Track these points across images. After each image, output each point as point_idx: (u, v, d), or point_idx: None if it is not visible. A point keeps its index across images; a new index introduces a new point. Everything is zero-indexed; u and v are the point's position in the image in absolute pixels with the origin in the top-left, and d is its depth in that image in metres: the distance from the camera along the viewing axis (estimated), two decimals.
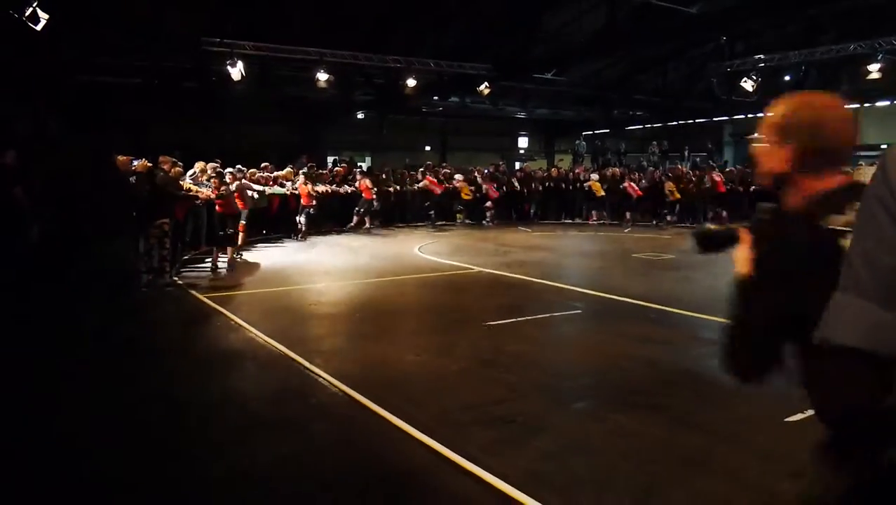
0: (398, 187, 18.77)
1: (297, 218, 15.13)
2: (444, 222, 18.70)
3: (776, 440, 3.91)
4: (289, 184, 15.45)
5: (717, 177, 19.35)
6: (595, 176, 20.28)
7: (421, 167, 20.55)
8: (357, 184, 16.95)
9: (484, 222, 19.08)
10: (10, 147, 8.89)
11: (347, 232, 16.22)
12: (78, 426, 4.29)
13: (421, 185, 18.75)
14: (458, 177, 19.16)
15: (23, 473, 3.66)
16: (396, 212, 18.89)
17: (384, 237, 16.03)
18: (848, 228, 1.37)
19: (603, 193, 19.71)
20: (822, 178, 1.56)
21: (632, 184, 19.38)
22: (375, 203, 18.00)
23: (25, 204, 8.16)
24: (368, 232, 16.44)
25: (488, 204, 19.23)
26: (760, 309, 1.53)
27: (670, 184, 19.39)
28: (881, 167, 1.03)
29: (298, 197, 15.24)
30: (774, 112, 1.65)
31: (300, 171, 15.93)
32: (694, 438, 4.05)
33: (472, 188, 19.32)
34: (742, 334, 1.57)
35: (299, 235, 14.96)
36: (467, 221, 19.06)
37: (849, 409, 1.05)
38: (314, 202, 15.23)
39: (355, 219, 16.48)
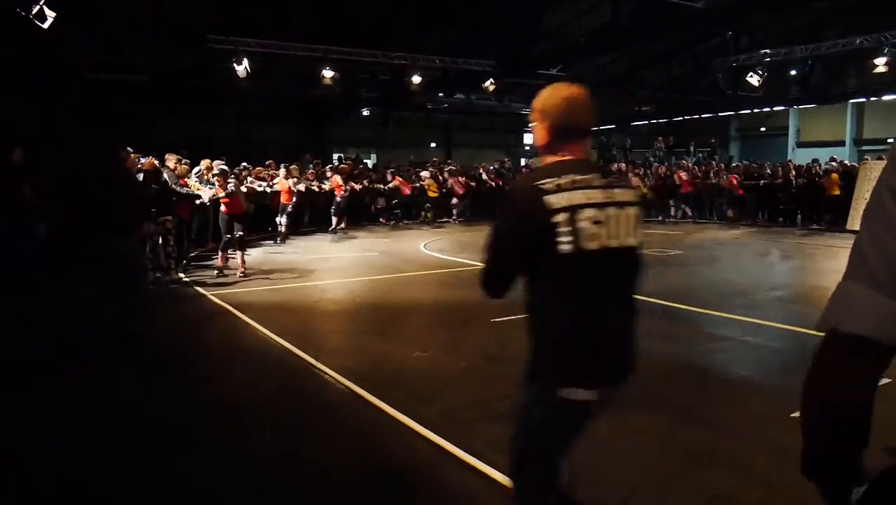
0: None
1: (278, 219, 14.12)
2: (409, 221, 18.61)
3: (783, 434, 3.90)
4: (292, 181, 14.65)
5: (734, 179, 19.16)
6: None
7: (427, 164, 20.56)
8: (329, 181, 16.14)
9: (451, 220, 18.85)
10: (16, 145, 8.92)
11: (333, 233, 15.47)
12: (86, 423, 4.31)
13: (391, 185, 18.51)
14: (424, 174, 18.97)
15: (34, 466, 3.68)
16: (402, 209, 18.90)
17: (389, 235, 16.03)
18: (549, 186, 1.95)
19: None
20: (562, 151, 2.10)
21: None
22: (381, 202, 17.95)
23: (34, 202, 8.18)
24: (345, 232, 15.86)
25: (454, 201, 18.98)
26: (493, 245, 2.12)
27: (636, 179, 19.67)
28: (891, 157, 1.03)
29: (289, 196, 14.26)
30: (538, 97, 2.14)
31: (281, 166, 15.05)
32: (700, 433, 4.05)
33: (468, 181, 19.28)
34: (488, 266, 2.19)
35: (279, 238, 13.92)
36: (438, 221, 18.78)
37: (849, 401, 1.04)
38: (294, 199, 14.32)
39: (334, 220, 15.64)
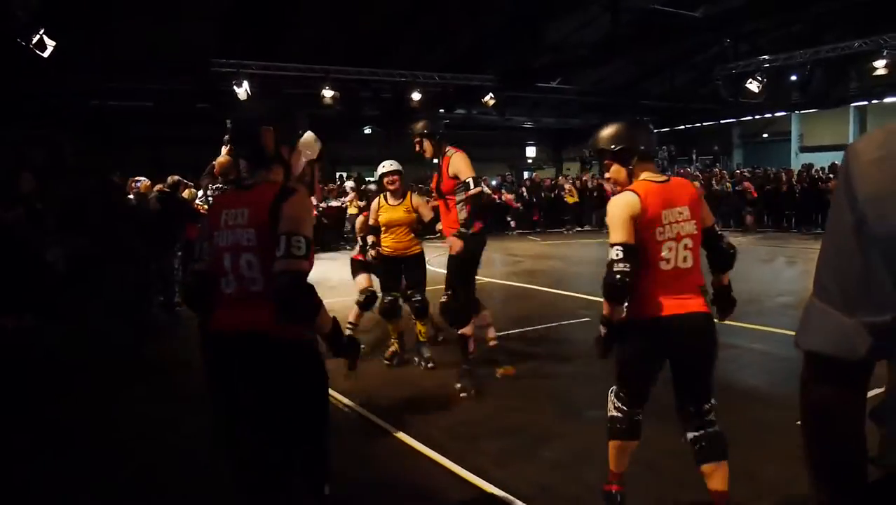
0: None
1: None
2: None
3: (791, 443, 3.84)
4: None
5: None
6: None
7: (429, 180, 20.59)
8: None
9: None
10: (23, 171, 8.85)
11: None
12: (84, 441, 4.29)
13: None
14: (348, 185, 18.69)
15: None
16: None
17: None
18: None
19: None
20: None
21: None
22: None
23: (22, 223, 7.94)
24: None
25: None
26: None
27: (569, 186, 20.91)
28: (843, 165, 0.99)
29: None
30: None
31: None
32: None
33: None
34: None
35: None
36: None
37: (821, 417, 1.03)
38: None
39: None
